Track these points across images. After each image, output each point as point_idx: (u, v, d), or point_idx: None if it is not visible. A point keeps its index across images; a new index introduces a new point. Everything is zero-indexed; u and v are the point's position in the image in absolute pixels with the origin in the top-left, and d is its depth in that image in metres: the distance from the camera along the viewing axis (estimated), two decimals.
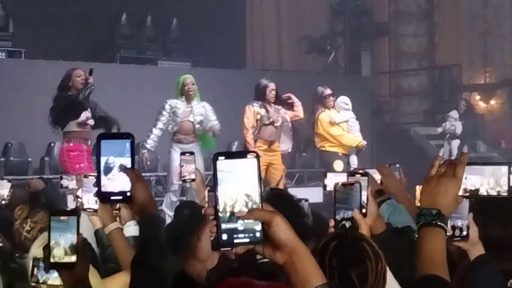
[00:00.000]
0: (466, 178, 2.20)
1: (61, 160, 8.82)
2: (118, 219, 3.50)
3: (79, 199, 3.65)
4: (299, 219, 3.59)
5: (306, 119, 10.65)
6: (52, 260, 2.39)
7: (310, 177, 14.34)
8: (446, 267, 2.13)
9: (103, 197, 2.34)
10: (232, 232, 1.61)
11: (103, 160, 2.29)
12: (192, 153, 4.56)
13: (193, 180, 4.39)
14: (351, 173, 3.31)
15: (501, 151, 17.28)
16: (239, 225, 1.61)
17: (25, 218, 4.43)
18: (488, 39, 19.24)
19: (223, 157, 1.62)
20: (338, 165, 10.56)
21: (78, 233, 2.40)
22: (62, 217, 2.40)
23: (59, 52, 13.49)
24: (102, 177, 2.30)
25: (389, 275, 2.55)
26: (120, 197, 2.35)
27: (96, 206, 3.52)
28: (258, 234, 1.61)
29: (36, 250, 2.97)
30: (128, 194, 2.33)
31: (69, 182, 5.65)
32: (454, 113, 15.53)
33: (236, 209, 1.61)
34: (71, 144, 8.71)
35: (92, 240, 3.66)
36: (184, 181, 4.49)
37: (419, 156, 14.87)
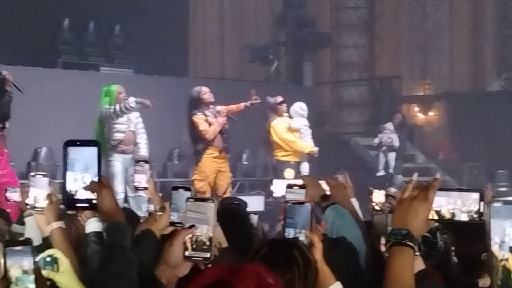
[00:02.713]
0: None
1: None
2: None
3: (28, 208, 3.55)
4: (251, 239, 3.61)
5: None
6: None
7: (251, 186, 14.39)
8: (413, 284, 2.20)
9: (70, 204, 2.37)
10: None
11: (70, 166, 2.32)
12: (147, 162, 4.49)
13: (146, 188, 4.35)
14: (290, 186, 3.34)
15: (438, 162, 17.56)
16: None
17: None
18: (427, 52, 19.56)
19: None
20: (289, 173, 10.63)
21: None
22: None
23: None
24: (69, 184, 2.32)
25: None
26: (87, 205, 2.39)
27: (44, 204, 3.42)
28: None
29: None
30: (94, 201, 2.36)
31: (13, 194, 5.44)
32: (389, 125, 15.60)
33: None
34: None
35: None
36: (137, 189, 4.45)
37: (359, 166, 15.05)
